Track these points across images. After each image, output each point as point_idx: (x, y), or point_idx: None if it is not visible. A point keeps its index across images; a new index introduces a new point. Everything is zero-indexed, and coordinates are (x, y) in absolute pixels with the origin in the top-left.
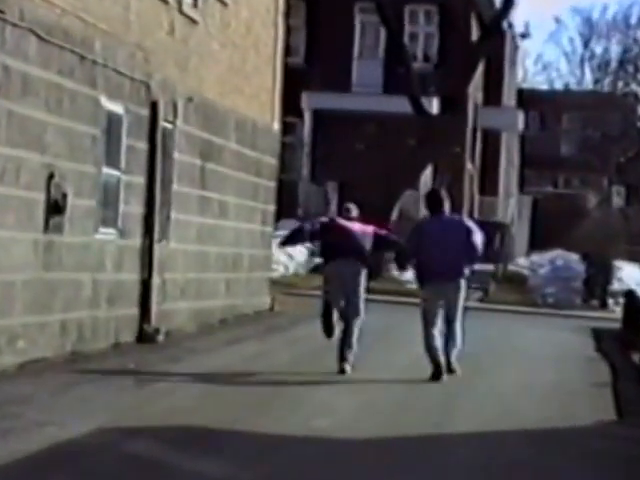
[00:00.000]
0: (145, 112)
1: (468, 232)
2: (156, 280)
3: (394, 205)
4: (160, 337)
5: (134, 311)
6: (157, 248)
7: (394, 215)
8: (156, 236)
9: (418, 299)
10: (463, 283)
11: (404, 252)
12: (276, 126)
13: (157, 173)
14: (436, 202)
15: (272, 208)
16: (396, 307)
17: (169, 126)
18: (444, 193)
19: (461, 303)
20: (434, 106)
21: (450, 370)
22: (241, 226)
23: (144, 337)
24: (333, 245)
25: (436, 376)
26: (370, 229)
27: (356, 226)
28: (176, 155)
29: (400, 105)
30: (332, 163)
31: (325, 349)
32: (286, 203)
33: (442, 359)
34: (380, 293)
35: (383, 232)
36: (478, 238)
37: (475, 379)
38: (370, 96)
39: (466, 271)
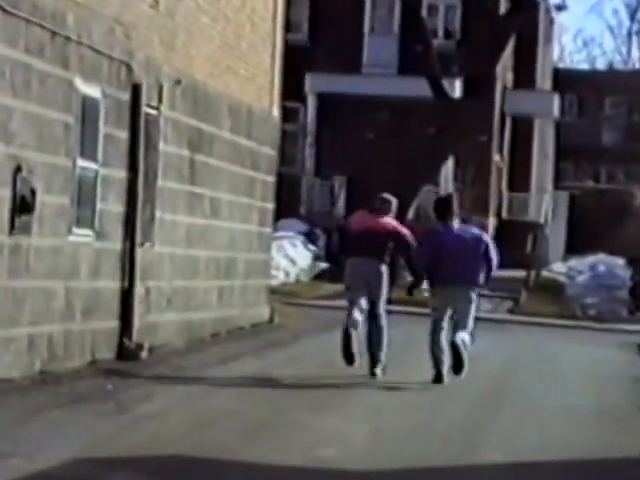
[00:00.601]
0: (126, 96)
1: (482, 245)
2: (139, 289)
3: (410, 203)
4: (143, 354)
5: (113, 324)
6: (140, 252)
7: (410, 214)
8: (138, 238)
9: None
10: (474, 294)
11: (409, 249)
12: (275, 112)
13: (140, 166)
14: (445, 211)
15: (271, 206)
16: (414, 319)
17: (153, 112)
18: (455, 201)
19: (471, 314)
20: (456, 89)
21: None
22: (236, 227)
23: (125, 354)
24: (353, 243)
25: (438, 379)
26: (394, 225)
27: (379, 222)
28: (161, 145)
29: (418, 88)
30: (339, 155)
31: (333, 367)
32: (287, 200)
33: (445, 366)
34: (396, 303)
35: (404, 232)
36: (493, 253)
37: (505, 401)
38: (383, 78)
39: (479, 281)
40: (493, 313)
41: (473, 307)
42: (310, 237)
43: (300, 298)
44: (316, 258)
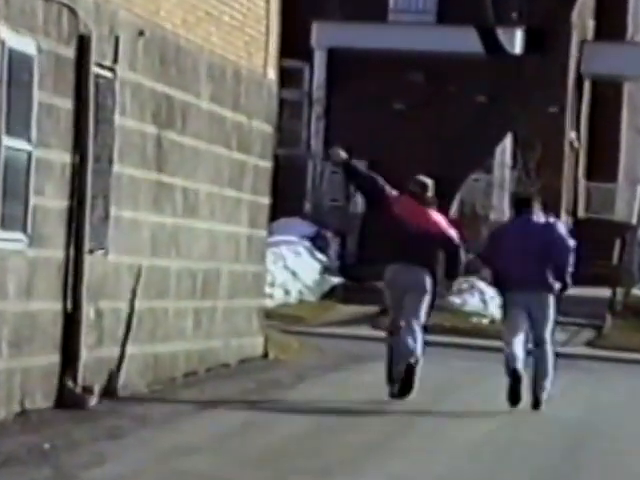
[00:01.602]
0: (69, 52)
1: (556, 239)
2: (87, 312)
3: (453, 195)
4: (92, 400)
5: (52, 360)
6: (89, 262)
7: (452, 210)
8: (87, 244)
9: (489, 340)
10: (551, 298)
11: (457, 261)
12: (272, 74)
13: (88, 147)
14: (521, 201)
15: (266, 201)
16: (458, 353)
17: (106, 74)
18: (537, 201)
19: (550, 322)
20: (517, 43)
21: (537, 404)
22: (218, 228)
23: (67, 400)
24: (394, 240)
25: (513, 397)
26: (445, 225)
27: (429, 216)
28: (117, 119)
29: (463, 41)
30: (357, 131)
31: (350, 418)
32: (287, 193)
33: (522, 372)
34: (436, 332)
35: (452, 233)
36: (568, 251)
37: (584, 475)
38: (417, 28)
39: (554, 284)
40: (567, 346)
41: (551, 313)
42: (318, 242)
43: (304, 324)
44: (325, 270)
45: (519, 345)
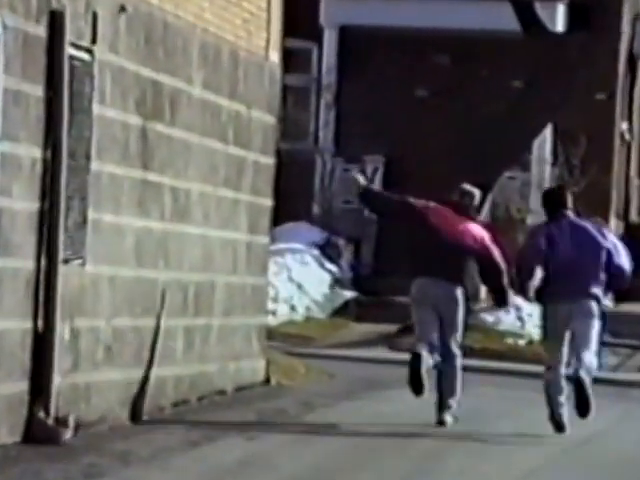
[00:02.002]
0: (39, 30)
1: (608, 249)
2: (61, 331)
3: (484, 197)
4: (67, 434)
5: (19, 388)
6: (63, 274)
7: (484, 213)
8: (61, 252)
9: (527, 365)
10: (595, 307)
11: (503, 287)
12: (274, 56)
13: (62, 140)
14: (556, 202)
15: (268, 202)
16: (490, 379)
17: (83, 56)
18: (568, 195)
19: (593, 335)
20: (559, 19)
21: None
22: (213, 234)
23: (38, 434)
24: (424, 251)
25: (559, 428)
26: (484, 239)
27: (466, 228)
28: (96, 108)
29: (496, 18)
30: (372, 122)
31: (365, 455)
32: (293, 193)
33: (565, 395)
34: (465, 355)
35: (497, 255)
36: (624, 258)
37: None
38: (442, 2)
39: (599, 292)
40: (619, 371)
41: (595, 324)
42: (328, 251)
43: (312, 345)
44: (336, 283)
45: (562, 369)
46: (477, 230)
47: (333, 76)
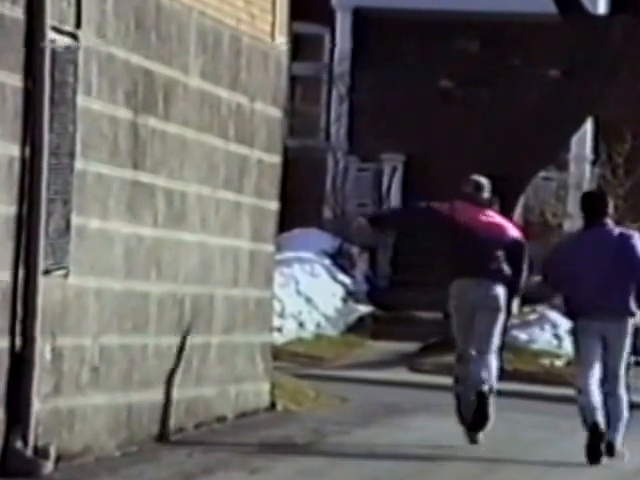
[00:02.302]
0: (17, 13)
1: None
2: (41, 350)
3: (516, 198)
4: (47, 467)
5: None
6: (44, 286)
7: (515, 216)
8: (41, 263)
9: (565, 388)
10: (630, 324)
11: (521, 270)
12: (281, 42)
13: (43, 136)
14: (594, 208)
15: (273, 206)
16: (524, 405)
17: (67, 42)
18: (609, 201)
19: (626, 352)
20: (600, 1)
21: (610, 451)
22: (212, 241)
23: (15, 466)
24: (457, 253)
25: (593, 450)
26: (508, 227)
27: (491, 219)
28: (81, 100)
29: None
30: (390, 116)
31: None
32: (301, 196)
33: (602, 420)
34: (516, 378)
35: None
36: None
37: None
38: None
39: (634, 309)
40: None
41: (628, 342)
42: (340, 260)
43: (323, 366)
44: (350, 296)
45: (596, 390)
46: (499, 218)
47: (346, 65)
